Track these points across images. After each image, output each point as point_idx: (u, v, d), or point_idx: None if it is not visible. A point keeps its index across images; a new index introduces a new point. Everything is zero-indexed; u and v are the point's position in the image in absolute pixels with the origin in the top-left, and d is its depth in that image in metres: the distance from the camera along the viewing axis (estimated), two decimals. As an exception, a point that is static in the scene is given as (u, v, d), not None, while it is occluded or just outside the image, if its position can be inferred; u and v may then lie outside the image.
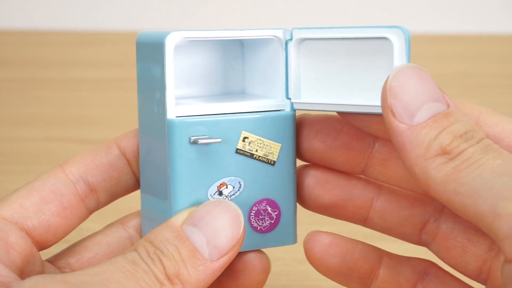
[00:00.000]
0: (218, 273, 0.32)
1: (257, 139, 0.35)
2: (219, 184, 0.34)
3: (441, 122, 0.30)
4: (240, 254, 0.35)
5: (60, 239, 0.36)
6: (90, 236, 0.38)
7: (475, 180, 0.28)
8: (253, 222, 0.36)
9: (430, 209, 0.37)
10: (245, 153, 0.35)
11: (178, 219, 0.33)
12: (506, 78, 0.92)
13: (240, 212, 0.33)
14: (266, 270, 0.36)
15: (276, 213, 0.36)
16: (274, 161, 0.35)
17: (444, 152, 0.30)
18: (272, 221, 0.36)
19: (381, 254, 0.37)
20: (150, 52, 0.35)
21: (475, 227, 0.35)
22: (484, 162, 0.29)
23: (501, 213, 0.27)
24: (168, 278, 0.31)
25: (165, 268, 0.31)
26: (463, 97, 0.86)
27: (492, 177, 0.28)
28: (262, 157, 0.35)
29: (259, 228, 0.36)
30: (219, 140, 0.34)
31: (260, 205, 0.36)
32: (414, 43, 1.20)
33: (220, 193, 0.34)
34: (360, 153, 0.36)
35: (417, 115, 0.30)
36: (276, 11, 1.13)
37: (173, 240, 0.32)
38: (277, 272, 0.48)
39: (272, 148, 0.35)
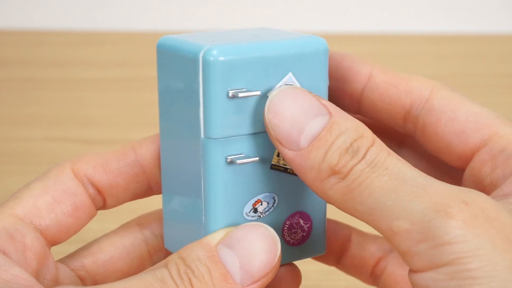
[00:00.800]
0: None
1: None
2: (254, 202, 0.34)
3: (325, 139, 0.30)
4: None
5: (69, 238, 0.35)
6: (105, 236, 0.37)
7: (368, 199, 0.29)
8: (286, 236, 0.35)
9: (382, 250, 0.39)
10: (280, 168, 0.34)
11: (213, 238, 0.32)
12: (506, 78, 0.93)
13: (278, 238, 0.32)
14: (298, 283, 0.35)
15: (308, 225, 0.35)
16: None
17: (334, 172, 0.30)
18: (304, 234, 0.35)
19: (351, 230, 0.38)
20: (180, 64, 0.33)
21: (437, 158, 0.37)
22: (373, 180, 0.29)
23: (396, 231, 0.28)
24: None
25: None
26: (463, 97, 0.87)
27: (382, 195, 0.28)
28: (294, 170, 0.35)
29: (291, 241, 0.35)
30: (256, 159, 0.33)
31: (293, 218, 0.35)
32: (414, 43, 1.20)
33: (255, 210, 0.34)
34: None
35: (301, 140, 0.30)
36: (276, 11, 1.13)
37: (205, 260, 0.31)
38: (277, 272, 0.48)
39: None
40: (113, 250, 0.37)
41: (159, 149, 0.36)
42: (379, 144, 0.30)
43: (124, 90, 0.89)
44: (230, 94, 0.32)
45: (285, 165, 0.34)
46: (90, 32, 1.11)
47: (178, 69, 0.33)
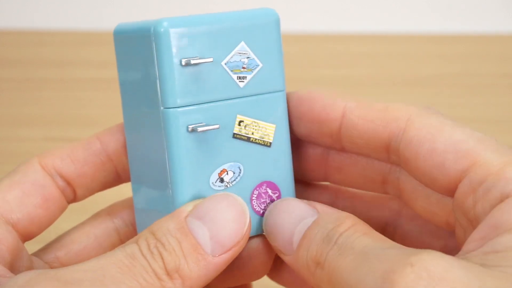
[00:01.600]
0: (221, 269, 0.32)
1: (252, 121, 0.35)
2: (219, 171, 0.34)
3: (309, 236, 0.31)
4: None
5: (42, 231, 0.35)
6: (76, 228, 0.37)
7: (341, 283, 0.29)
8: (255, 206, 0.35)
9: (387, 211, 0.37)
10: (242, 137, 0.35)
11: (183, 211, 0.32)
12: (506, 78, 0.92)
13: (246, 207, 0.33)
14: (271, 254, 0.35)
15: (276, 195, 0.36)
16: (270, 143, 0.35)
17: (317, 264, 0.30)
18: (271, 202, 0.36)
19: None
20: (136, 44, 0.34)
21: (431, 229, 0.36)
22: (341, 263, 0.29)
23: None
24: (168, 273, 0.30)
25: (165, 263, 0.30)
26: (463, 97, 0.87)
27: (347, 275, 0.29)
28: (258, 139, 0.35)
29: (261, 212, 0.35)
30: (217, 126, 0.34)
31: (261, 188, 0.35)
32: (414, 43, 1.20)
33: (222, 180, 0.34)
34: (316, 163, 0.37)
35: (293, 244, 0.32)
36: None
37: (175, 233, 0.31)
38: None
39: (267, 130, 0.35)
40: (86, 241, 0.37)
41: (123, 137, 0.36)
42: (356, 228, 0.30)
43: (124, 90, 0.89)
44: (183, 62, 0.33)
45: (247, 134, 0.35)
46: (90, 32, 1.10)
47: (134, 50, 0.34)
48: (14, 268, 0.33)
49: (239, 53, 0.34)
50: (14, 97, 0.87)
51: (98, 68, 0.97)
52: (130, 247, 0.31)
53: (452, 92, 0.87)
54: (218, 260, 0.31)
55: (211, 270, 0.31)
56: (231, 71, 0.34)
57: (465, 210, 0.31)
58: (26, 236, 0.35)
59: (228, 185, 0.34)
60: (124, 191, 0.38)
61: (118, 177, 0.37)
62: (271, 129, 0.35)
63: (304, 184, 0.38)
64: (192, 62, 0.33)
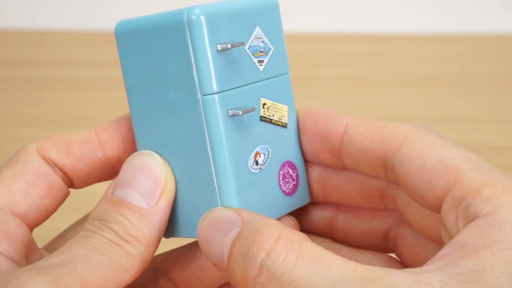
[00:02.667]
0: (165, 215, 0.33)
1: (272, 104, 0.35)
2: (254, 154, 0.35)
3: (232, 253, 0.30)
4: None
5: (47, 218, 0.36)
6: (78, 226, 0.38)
7: None
8: (283, 186, 0.36)
9: (390, 220, 0.37)
10: (266, 119, 0.35)
11: (108, 189, 0.34)
12: (506, 78, 0.93)
13: (150, 153, 0.34)
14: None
15: (295, 174, 0.36)
16: (286, 123, 0.36)
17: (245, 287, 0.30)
18: (294, 183, 0.36)
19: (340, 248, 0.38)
20: (155, 38, 0.34)
21: (425, 238, 0.36)
22: None
23: None
24: (123, 239, 0.32)
25: (116, 232, 0.32)
26: (462, 97, 0.87)
27: None
28: (277, 121, 0.36)
29: (287, 191, 0.36)
30: (253, 108, 0.34)
31: (284, 168, 0.36)
32: (414, 43, 1.20)
33: (257, 163, 0.35)
34: (316, 183, 0.37)
35: (224, 259, 0.31)
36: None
37: (110, 207, 0.33)
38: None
39: (282, 111, 0.36)
40: None
41: (123, 134, 0.36)
42: (282, 244, 0.29)
43: (123, 90, 0.88)
44: (219, 48, 0.33)
45: (270, 116, 0.35)
46: (90, 32, 1.11)
47: (151, 43, 0.34)
48: (29, 260, 0.33)
49: (256, 37, 0.35)
50: (14, 97, 0.87)
51: (98, 68, 0.97)
52: (82, 233, 0.32)
53: (451, 92, 0.87)
54: (158, 207, 0.33)
55: (157, 220, 0.33)
56: (253, 55, 0.35)
57: (448, 226, 0.31)
58: (33, 226, 0.35)
59: (262, 168, 0.35)
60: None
61: (114, 172, 0.37)
62: (285, 110, 0.36)
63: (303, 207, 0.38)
64: (228, 46, 0.33)
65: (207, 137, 0.33)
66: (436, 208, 0.32)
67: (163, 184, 0.34)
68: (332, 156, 0.36)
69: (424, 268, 0.28)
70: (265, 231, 0.30)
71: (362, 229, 0.38)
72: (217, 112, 0.33)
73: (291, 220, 0.36)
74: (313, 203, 0.38)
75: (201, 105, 0.33)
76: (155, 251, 0.33)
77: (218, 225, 0.32)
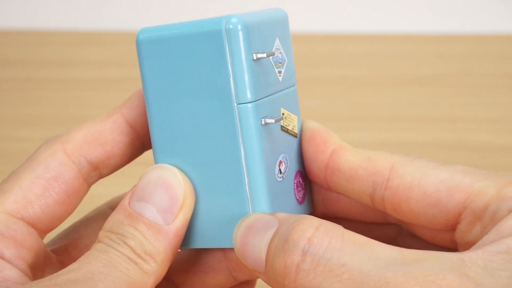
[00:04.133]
0: (181, 233, 0.33)
1: (288, 114, 0.36)
2: (278, 163, 0.35)
3: (271, 249, 0.30)
4: None
5: (61, 223, 0.35)
6: (82, 223, 0.38)
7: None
8: (297, 195, 0.36)
9: (388, 232, 0.37)
10: (285, 129, 0.35)
11: (125, 199, 0.33)
12: (506, 78, 0.93)
13: (170, 168, 0.34)
14: None
15: (304, 183, 0.37)
16: (297, 133, 0.36)
17: (284, 278, 0.30)
18: (304, 191, 0.37)
19: None
20: (187, 46, 0.34)
21: (432, 245, 0.36)
22: (329, 285, 0.29)
23: None
24: (139, 257, 0.32)
25: (133, 248, 0.32)
26: (462, 97, 0.87)
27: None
28: (291, 130, 0.36)
29: (299, 200, 0.36)
30: (282, 117, 0.34)
31: (297, 177, 0.36)
32: (414, 43, 1.20)
33: (280, 171, 0.35)
34: (315, 192, 0.37)
35: (262, 260, 0.31)
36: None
37: (127, 221, 0.32)
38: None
39: (294, 121, 0.36)
40: (93, 237, 0.37)
41: (144, 107, 0.36)
42: (323, 231, 0.30)
43: (124, 90, 0.88)
44: (254, 57, 0.33)
45: (287, 126, 0.36)
46: (90, 32, 1.11)
47: (181, 53, 0.34)
48: (36, 269, 0.33)
49: (277, 49, 0.35)
50: (14, 97, 0.87)
51: (98, 68, 0.97)
52: (99, 246, 0.32)
53: (452, 92, 0.87)
54: (174, 226, 0.33)
55: (172, 238, 0.33)
56: (275, 65, 0.35)
57: (470, 239, 0.32)
58: (46, 232, 0.35)
59: (284, 176, 0.35)
60: (125, 189, 0.38)
61: (143, 148, 0.37)
62: (296, 121, 0.37)
63: None
64: (263, 56, 0.33)
65: (241, 145, 0.33)
66: (447, 227, 0.33)
67: (181, 201, 0.33)
68: (319, 179, 0.36)
69: (467, 251, 0.29)
70: (304, 221, 0.30)
71: None
72: (251, 121, 0.33)
73: None
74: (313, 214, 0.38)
75: (237, 114, 0.33)
76: (168, 267, 0.33)
77: (255, 228, 0.32)
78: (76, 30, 1.12)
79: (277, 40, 0.35)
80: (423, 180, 0.33)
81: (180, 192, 0.33)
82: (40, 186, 0.34)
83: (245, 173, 0.33)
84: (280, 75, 0.36)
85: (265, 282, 0.31)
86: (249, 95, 0.33)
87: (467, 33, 1.10)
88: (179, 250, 0.34)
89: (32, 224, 0.34)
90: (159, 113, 0.35)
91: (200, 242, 0.35)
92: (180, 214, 0.33)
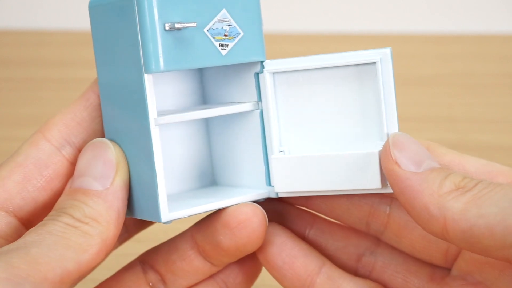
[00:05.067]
0: (122, 194, 0.34)
1: None
2: None
3: (443, 170, 0.32)
4: (233, 210, 0.35)
5: (47, 210, 0.35)
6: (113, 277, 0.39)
7: (500, 200, 0.29)
8: None
9: (365, 242, 0.38)
10: None
11: (67, 184, 0.35)
12: (506, 78, 0.93)
13: (101, 140, 0.35)
14: (263, 223, 0.36)
15: None
16: None
17: (458, 188, 0.31)
18: None
19: (324, 262, 0.37)
20: (113, 11, 0.34)
21: (414, 258, 0.36)
22: (498, 190, 0.30)
23: None
24: (80, 221, 0.32)
25: (72, 215, 0.32)
26: (463, 97, 0.87)
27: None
28: None
29: None
30: None
31: None
32: (414, 43, 1.19)
33: None
34: None
35: (423, 165, 0.32)
36: (275, 11, 1.13)
37: (67, 197, 0.33)
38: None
39: None
40: None
41: None
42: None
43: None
44: (166, 27, 0.33)
45: None
46: (90, 32, 1.10)
47: (112, 19, 0.34)
48: None
49: (221, 20, 0.35)
50: (14, 97, 0.87)
51: (98, 68, 0.97)
52: (39, 223, 0.32)
53: (452, 92, 0.87)
54: (113, 188, 0.34)
55: (113, 200, 0.33)
56: (213, 38, 0.34)
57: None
58: (31, 219, 0.35)
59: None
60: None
61: None
62: None
63: (282, 206, 0.38)
64: (176, 26, 0.33)
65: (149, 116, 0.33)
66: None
67: (115, 165, 0.34)
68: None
69: None
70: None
71: (334, 245, 0.38)
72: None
73: (255, 210, 0.36)
74: (289, 209, 0.38)
75: (145, 84, 0.33)
76: (117, 230, 0.33)
77: (418, 145, 0.34)
78: (76, 30, 1.12)
79: (223, 11, 0.35)
80: (457, 159, 0.35)
81: (112, 157, 0.34)
82: (20, 174, 0.35)
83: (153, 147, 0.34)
84: (223, 48, 0.35)
85: (401, 179, 0.32)
86: (157, 66, 0.33)
87: (467, 33, 1.09)
88: (127, 216, 0.35)
89: (13, 213, 0.34)
90: (103, 82, 0.36)
91: (137, 212, 0.35)
92: (116, 176, 0.34)
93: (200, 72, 0.39)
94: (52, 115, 0.36)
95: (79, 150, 0.36)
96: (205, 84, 0.39)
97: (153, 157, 0.33)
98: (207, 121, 0.39)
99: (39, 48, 1.06)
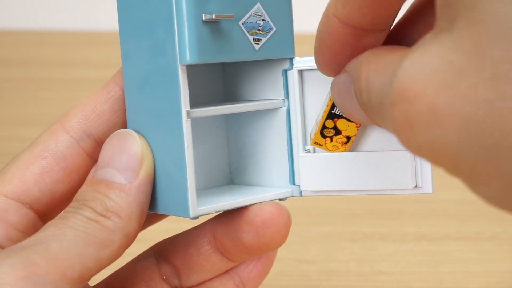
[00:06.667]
0: (146, 189, 0.33)
1: None
2: None
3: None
4: (257, 208, 0.35)
5: (64, 203, 0.35)
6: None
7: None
8: None
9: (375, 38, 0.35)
10: None
11: (90, 174, 0.34)
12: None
13: (126, 131, 0.34)
14: (288, 223, 0.35)
15: None
16: None
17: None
18: None
19: None
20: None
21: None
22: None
23: None
24: (101, 215, 0.32)
25: (94, 208, 0.32)
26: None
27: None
28: None
29: None
30: None
31: None
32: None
33: None
34: None
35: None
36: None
37: (89, 188, 0.33)
38: (278, 272, 0.48)
39: None
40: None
41: None
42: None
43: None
44: (204, 18, 0.32)
45: None
46: (90, 32, 1.10)
47: (145, 7, 0.33)
48: None
49: (255, 14, 0.34)
50: (14, 97, 0.87)
51: (98, 68, 0.97)
52: (58, 216, 0.32)
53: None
54: (137, 182, 0.33)
55: (136, 194, 0.33)
56: (248, 32, 0.34)
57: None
58: (47, 212, 0.35)
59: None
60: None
61: None
62: None
63: None
64: (214, 17, 0.32)
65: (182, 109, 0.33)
66: None
67: (140, 158, 0.33)
68: None
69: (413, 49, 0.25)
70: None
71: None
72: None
73: (280, 210, 0.35)
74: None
75: (179, 75, 0.33)
76: (139, 225, 0.33)
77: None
78: (76, 30, 1.12)
79: (257, 5, 0.34)
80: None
81: (137, 150, 0.33)
82: (38, 165, 0.34)
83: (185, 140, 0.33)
84: (257, 43, 0.34)
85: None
86: (188, 56, 0.32)
87: (468, 33, 1.09)
88: (148, 212, 0.34)
89: (29, 205, 0.34)
90: (129, 72, 0.35)
91: (161, 207, 0.35)
92: (141, 170, 0.33)
93: (222, 67, 0.39)
94: (72, 106, 0.36)
95: (98, 143, 0.35)
96: (227, 79, 0.38)
97: (184, 151, 0.33)
98: (226, 118, 0.39)
99: (39, 48, 1.06)
